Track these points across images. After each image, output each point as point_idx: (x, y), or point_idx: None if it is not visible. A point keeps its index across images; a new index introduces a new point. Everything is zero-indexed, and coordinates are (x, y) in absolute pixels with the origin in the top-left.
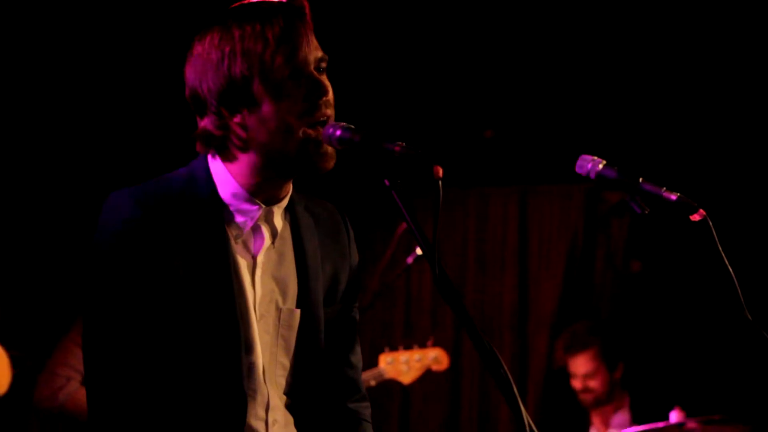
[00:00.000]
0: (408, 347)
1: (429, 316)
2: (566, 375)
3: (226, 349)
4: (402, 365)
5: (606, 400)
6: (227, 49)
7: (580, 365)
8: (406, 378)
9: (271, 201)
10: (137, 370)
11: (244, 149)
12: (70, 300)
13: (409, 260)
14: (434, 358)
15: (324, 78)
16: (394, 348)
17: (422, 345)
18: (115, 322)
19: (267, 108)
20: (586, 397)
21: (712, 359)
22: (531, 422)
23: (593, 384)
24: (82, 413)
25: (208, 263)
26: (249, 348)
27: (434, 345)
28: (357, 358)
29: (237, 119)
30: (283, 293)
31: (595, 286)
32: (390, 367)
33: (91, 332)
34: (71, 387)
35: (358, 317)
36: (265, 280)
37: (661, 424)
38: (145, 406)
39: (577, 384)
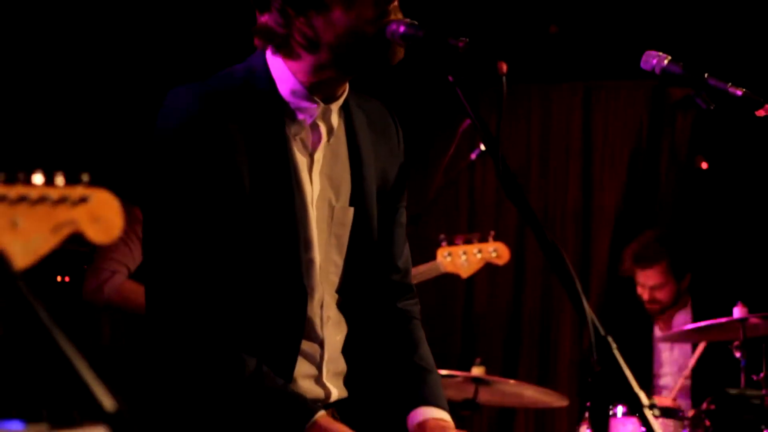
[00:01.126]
0: (468, 242)
1: (492, 212)
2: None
3: (286, 246)
4: (460, 259)
5: (670, 307)
6: None
7: (649, 278)
8: (465, 272)
9: (329, 99)
10: (198, 263)
11: (308, 48)
12: (123, 194)
13: (473, 156)
14: (494, 251)
15: None
16: (452, 242)
17: (482, 239)
18: (176, 216)
19: (337, 13)
20: (653, 307)
21: None
22: (594, 318)
23: (660, 295)
24: (127, 305)
25: (267, 160)
26: (307, 245)
27: (496, 239)
28: (405, 260)
29: (302, 19)
30: (337, 191)
31: (660, 184)
32: (447, 261)
33: (152, 226)
34: (116, 280)
35: (405, 219)
36: (321, 177)
37: (723, 320)
38: (206, 299)
39: (644, 294)
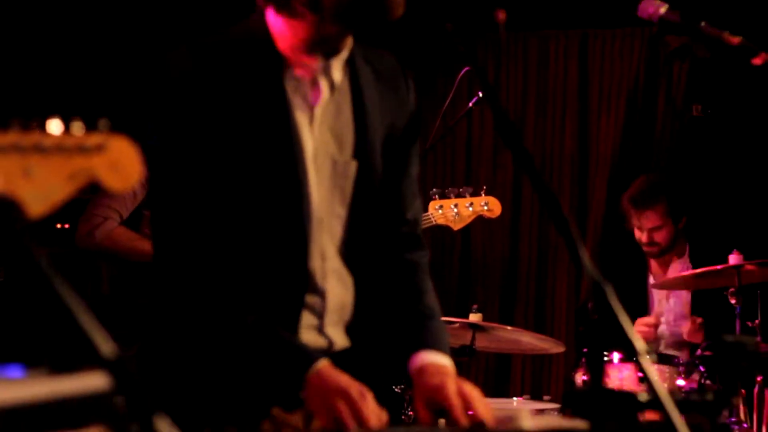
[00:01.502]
0: (459, 195)
1: (490, 160)
2: (625, 219)
3: (283, 199)
4: (451, 212)
5: (668, 250)
6: None
7: (647, 220)
8: (456, 224)
9: (330, 53)
10: (199, 216)
11: (310, 6)
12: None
13: (471, 104)
14: (486, 205)
15: None
16: (443, 195)
17: (475, 193)
18: (175, 171)
19: None
20: (651, 250)
21: None
22: (590, 265)
23: (658, 237)
24: (118, 249)
25: (266, 114)
26: (304, 198)
27: (490, 191)
28: (414, 211)
29: None
30: (340, 145)
31: (656, 131)
32: (439, 213)
33: (154, 182)
34: (108, 226)
35: (417, 170)
36: (322, 131)
37: (719, 267)
38: (207, 250)
39: (642, 237)
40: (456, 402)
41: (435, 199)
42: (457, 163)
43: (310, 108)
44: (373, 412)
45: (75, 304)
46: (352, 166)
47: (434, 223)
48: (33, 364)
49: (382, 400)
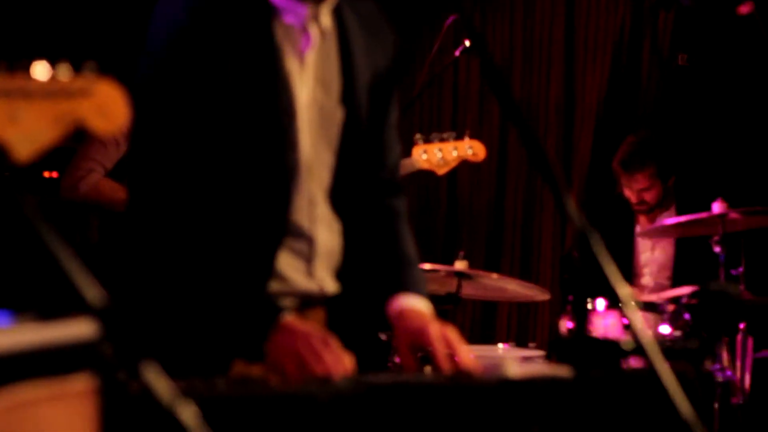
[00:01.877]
0: (443, 139)
1: (476, 109)
2: (610, 169)
3: (273, 146)
4: (436, 156)
5: (657, 207)
6: None
7: (637, 182)
8: (440, 169)
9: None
10: (181, 162)
11: None
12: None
13: (457, 53)
14: (470, 149)
15: None
16: (427, 140)
17: (458, 137)
18: (162, 115)
19: None
20: (641, 208)
21: (756, 151)
22: (575, 212)
23: (648, 197)
24: (103, 201)
25: (255, 61)
26: (294, 145)
27: (474, 136)
28: (394, 158)
29: None
30: (327, 91)
31: (642, 80)
32: (423, 158)
33: (137, 128)
34: (92, 178)
35: (397, 116)
36: (311, 78)
37: (703, 215)
38: (187, 197)
39: (632, 197)
40: (439, 346)
41: (419, 144)
42: (444, 111)
43: (301, 55)
44: (338, 360)
45: (62, 251)
46: (339, 113)
47: (417, 167)
48: (20, 312)
49: (369, 347)
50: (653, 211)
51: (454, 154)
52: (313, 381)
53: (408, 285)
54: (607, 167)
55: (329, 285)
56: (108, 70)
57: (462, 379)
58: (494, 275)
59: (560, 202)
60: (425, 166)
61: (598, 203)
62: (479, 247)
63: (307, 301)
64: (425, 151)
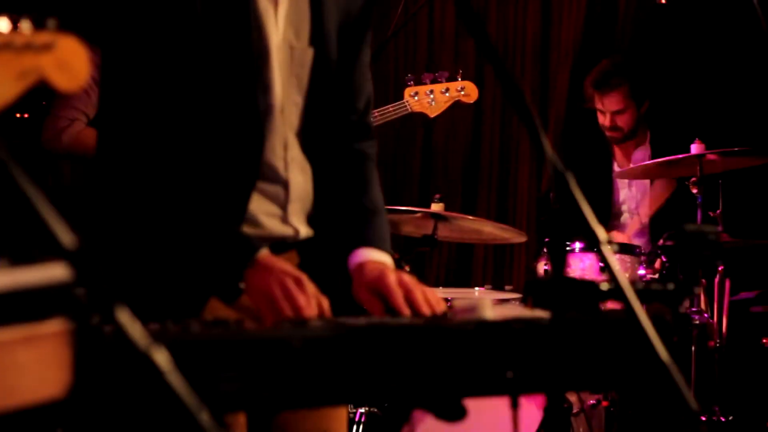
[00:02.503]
0: (435, 80)
1: (451, 48)
2: (589, 109)
3: (245, 88)
4: (427, 98)
5: (630, 136)
6: None
7: (610, 103)
8: (432, 111)
9: None
10: (153, 103)
11: None
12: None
13: None
14: (462, 89)
15: None
16: (419, 81)
17: (450, 78)
18: (132, 56)
19: None
20: (614, 134)
21: (734, 91)
22: (552, 154)
23: (621, 121)
24: (87, 151)
25: (227, 1)
26: (267, 87)
27: (452, 80)
28: (365, 100)
29: None
30: (297, 32)
31: (619, 15)
32: (414, 100)
33: (106, 70)
34: (75, 127)
35: (368, 57)
36: (283, 19)
37: (681, 156)
38: (158, 140)
39: (605, 122)
40: (397, 291)
41: (410, 85)
42: (419, 51)
43: None
44: (312, 300)
45: (35, 194)
46: (309, 54)
47: (410, 110)
48: None
49: (341, 290)
50: (627, 140)
51: (446, 95)
52: (288, 324)
53: (369, 240)
54: (584, 100)
55: (303, 229)
56: (69, 27)
57: (438, 321)
58: (470, 217)
59: (537, 143)
60: (417, 108)
61: (575, 143)
62: (455, 189)
63: (280, 245)
64: (416, 93)
